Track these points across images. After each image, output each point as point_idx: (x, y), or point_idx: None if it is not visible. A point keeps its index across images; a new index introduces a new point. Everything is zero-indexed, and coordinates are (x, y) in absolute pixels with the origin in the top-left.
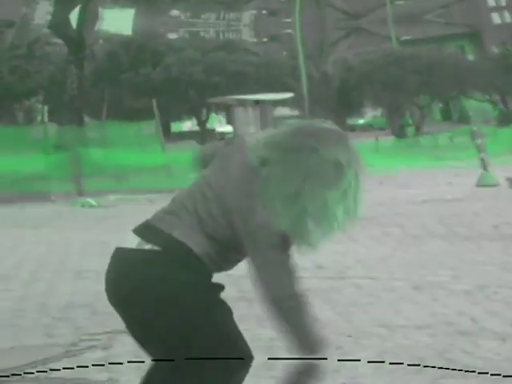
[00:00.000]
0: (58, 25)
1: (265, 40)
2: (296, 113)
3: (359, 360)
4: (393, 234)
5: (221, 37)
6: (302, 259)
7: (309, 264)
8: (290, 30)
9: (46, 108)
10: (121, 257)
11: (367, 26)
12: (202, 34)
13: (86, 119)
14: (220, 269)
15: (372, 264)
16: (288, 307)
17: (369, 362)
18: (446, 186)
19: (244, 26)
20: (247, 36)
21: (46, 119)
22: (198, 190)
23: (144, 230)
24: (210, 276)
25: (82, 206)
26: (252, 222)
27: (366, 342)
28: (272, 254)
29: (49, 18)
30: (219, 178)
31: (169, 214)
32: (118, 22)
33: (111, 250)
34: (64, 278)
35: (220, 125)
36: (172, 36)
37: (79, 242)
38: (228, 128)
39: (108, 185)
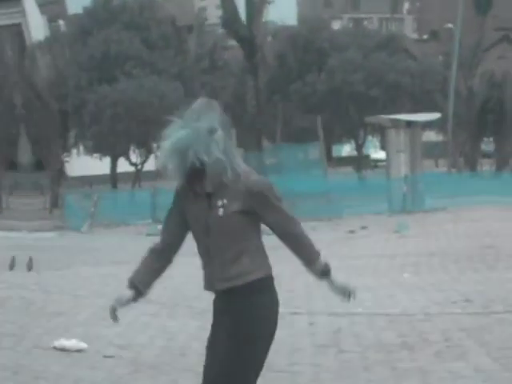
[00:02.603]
0: (229, 20)
1: (425, 37)
2: (440, 138)
3: None
4: None
5: (384, 28)
6: (448, 291)
7: (457, 296)
8: (450, 25)
9: (234, 132)
10: None
11: None
12: (365, 23)
13: (265, 142)
14: None
15: None
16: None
17: None
18: None
19: (407, 14)
20: (409, 28)
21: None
22: None
23: None
24: None
25: None
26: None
27: None
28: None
29: (219, 13)
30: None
31: None
32: (282, 7)
33: (282, 286)
34: None
35: (375, 150)
36: (336, 25)
37: None
38: (381, 154)
39: None
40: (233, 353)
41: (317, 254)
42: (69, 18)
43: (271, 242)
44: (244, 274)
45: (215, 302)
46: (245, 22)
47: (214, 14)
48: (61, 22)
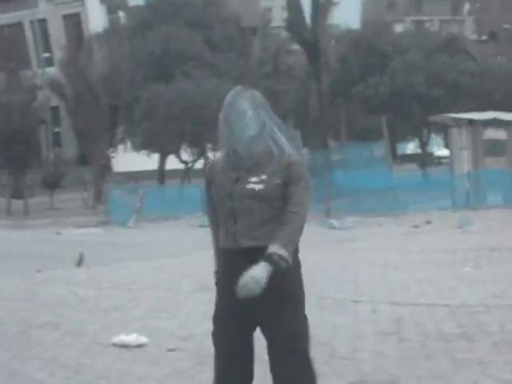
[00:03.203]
0: (294, 23)
1: (484, 38)
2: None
3: None
4: None
5: (444, 30)
6: (507, 284)
7: None
8: (508, 25)
9: (298, 134)
10: None
11: None
12: (427, 25)
13: (329, 141)
14: None
15: None
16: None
17: None
18: None
19: (468, 15)
20: (469, 30)
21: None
22: None
23: None
24: None
25: (328, 227)
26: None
27: None
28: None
29: (285, 15)
30: None
31: None
32: (346, 11)
33: (346, 276)
34: (309, 304)
35: (438, 148)
36: (398, 28)
37: (323, 264)
38: (445, 152)
39: (348, 207)
40: (287, 308)
41: (282, 242)
42: (129, 9)
43: (335, 236)
44: (271, 237)
45: (231, 265)
46: (309, 25)
47: (279, 16)
48: (121, 14)
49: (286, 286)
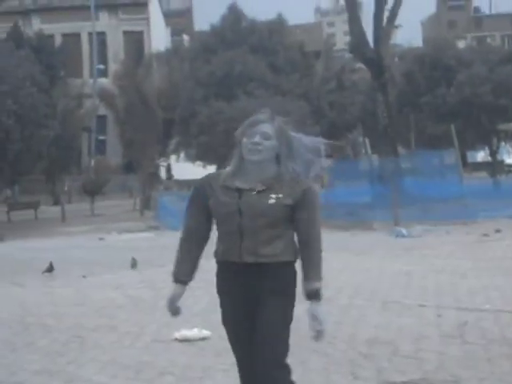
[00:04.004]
0: (357, 46)
1: None
2: None
3: None
4: None
5: (506, 44)
6: None
7: None
8: None
9: (367, 141)
10: None
11: None
12: (488, 40)
13: (399, 149)
14: None
15: None
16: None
17: None
18: None
19: None
20: None
21: (369, 151)
22: None
23: None
24: None
25: (396, 235)
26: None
27: None
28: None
29: (347, 39)
30: None
31: None
32: (408, 31)
33: (414, 282)
34: (373, 308)
35: (508, 156)
36: (460, 44)
37: (390, 271)
38: None
39: (417, 215)
40: (277, 313)
41: (317, 277)
42: (194, 33)
43: (404, 244)
44: (275, 255)
45: (230, 276)
46: (372, 46)
47: (343, 41)
48: (185, 37)
49: (285, 288)
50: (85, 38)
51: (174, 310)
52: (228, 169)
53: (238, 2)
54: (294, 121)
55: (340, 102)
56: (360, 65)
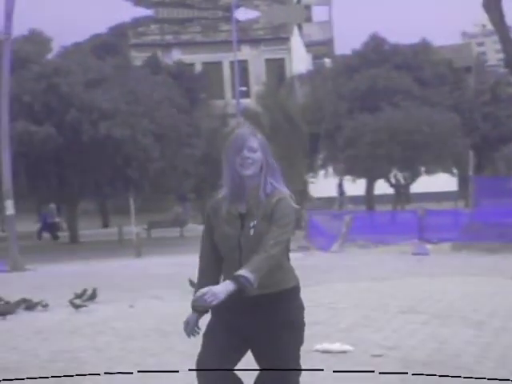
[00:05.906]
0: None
1: None
2: None
3: None
4: None
5: None
6: None
7: None
8: None
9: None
10: None
11: None
12: None
13: None
14: None
15: None
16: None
17: None
18: None
19: None
20: None
21: None
22: None
23: None
24: None
25: None
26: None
27: None
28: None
29: (499, 56)
30: None
31: None
32: None
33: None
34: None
35: None
36: None
37: None
38: None
39: None
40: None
41: (251, 268)
42: (335, 57)
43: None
44: (276, 284)
45: (235, 308)
46: None
47: (494, 58)
48: (326, 60)
49: (288, 317)
50: (226, 66)
51: (188, 332)
52: (224, 191)
53: (380, 31)
54: (441, 132)
55: (495, 114)
56: None
